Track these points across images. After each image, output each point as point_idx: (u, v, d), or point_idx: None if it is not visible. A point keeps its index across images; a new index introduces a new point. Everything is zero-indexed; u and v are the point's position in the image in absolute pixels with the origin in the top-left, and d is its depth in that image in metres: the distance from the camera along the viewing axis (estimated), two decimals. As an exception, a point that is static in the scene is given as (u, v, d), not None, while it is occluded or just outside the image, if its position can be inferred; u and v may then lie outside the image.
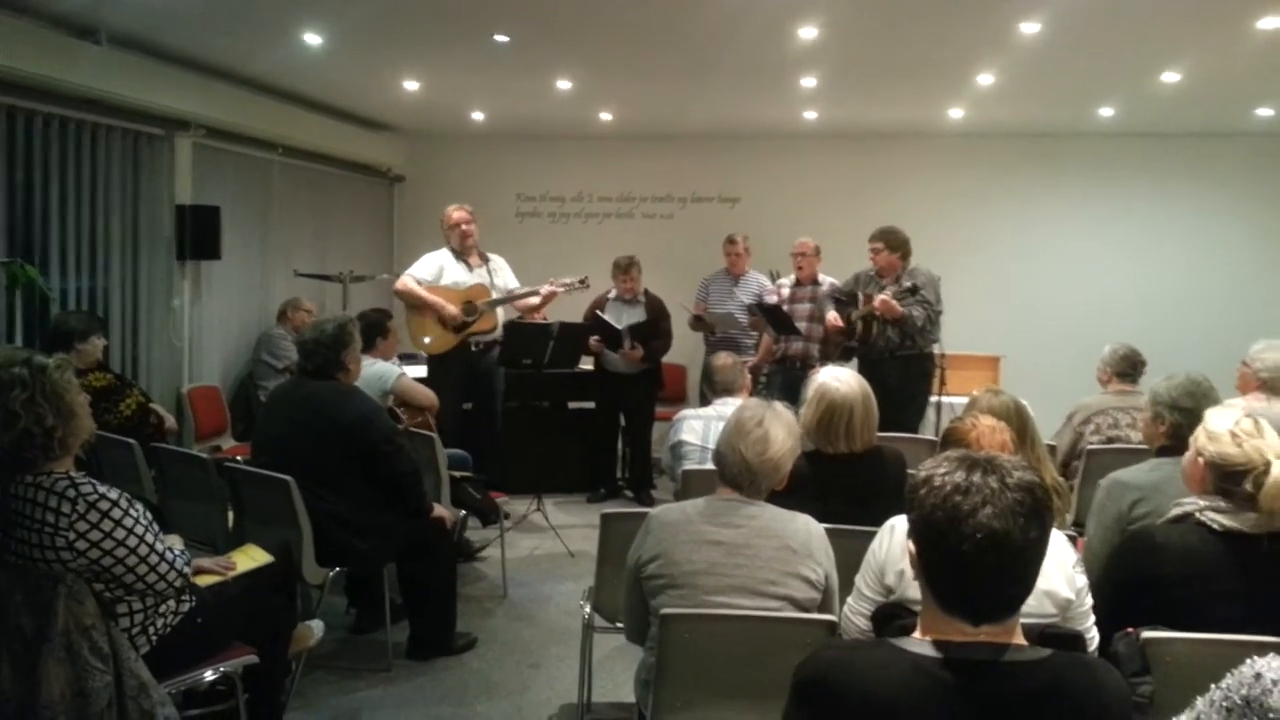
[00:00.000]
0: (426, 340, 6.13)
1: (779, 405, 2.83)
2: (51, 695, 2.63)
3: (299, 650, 3.65)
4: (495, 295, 6.18)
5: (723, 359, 4.78)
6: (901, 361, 6.15)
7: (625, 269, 7.02)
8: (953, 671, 1.54)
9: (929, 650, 1.58)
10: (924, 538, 1.61)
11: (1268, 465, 2.49)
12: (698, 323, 7.27)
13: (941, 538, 1.56)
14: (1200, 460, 2.64)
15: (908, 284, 6.13)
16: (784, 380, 6.76)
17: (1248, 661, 1.41)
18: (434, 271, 6.15)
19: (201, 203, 6.48)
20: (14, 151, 5.23)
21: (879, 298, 6.10)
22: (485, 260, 6.28)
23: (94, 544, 2.72)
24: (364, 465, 4.08)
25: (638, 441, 7.24)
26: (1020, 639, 1.60)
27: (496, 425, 6.31)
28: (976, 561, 1.53)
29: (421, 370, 6.27)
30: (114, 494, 2.80)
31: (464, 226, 6.20)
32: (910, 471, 1.68)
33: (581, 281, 6.42)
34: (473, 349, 6.10)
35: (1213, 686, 1.44)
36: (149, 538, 2.83)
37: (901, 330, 6.12)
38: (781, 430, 2.73)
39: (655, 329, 6.94)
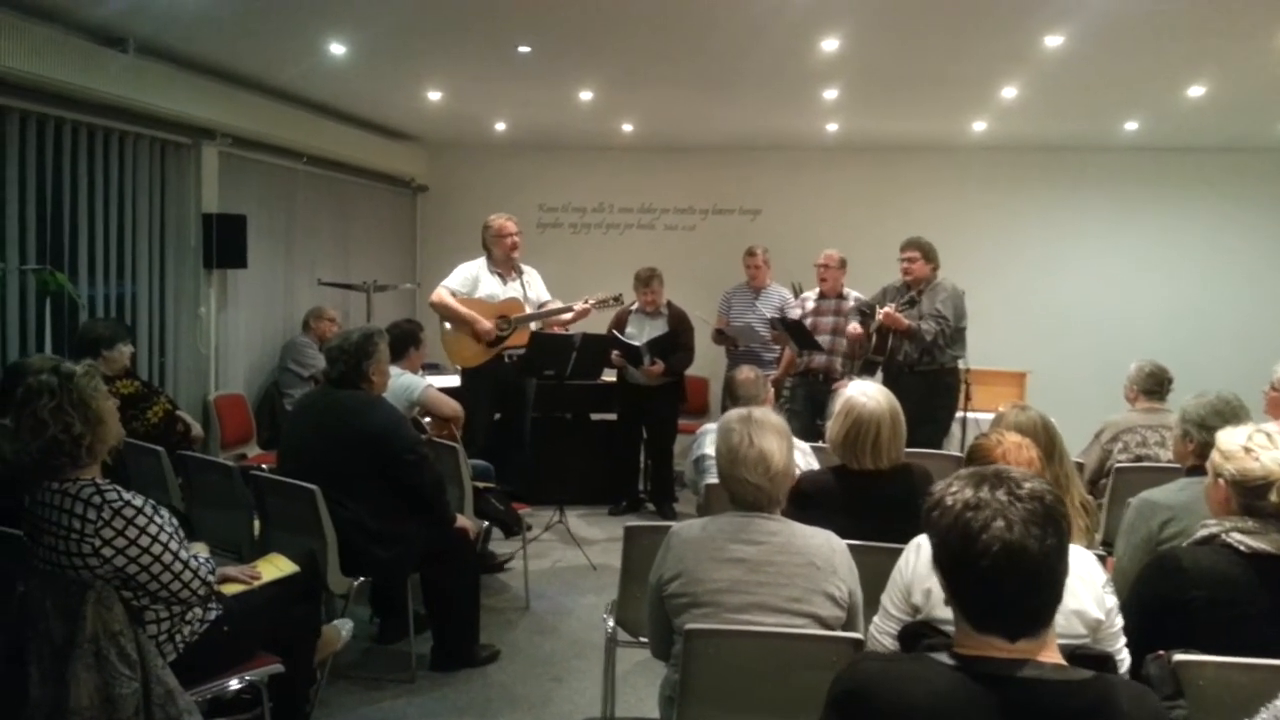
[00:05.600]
0: (461, 353, 6.11)
1: (756, 411, 2.74)
2: (80, 701, 2.65)
3: (328, 652, 3.67)
4: (529, 309, 6.16)
5: (745, 373, 4.77)
6: (921, 376, 6.11)
7: (646, 281, 7.01)
8: (992, 687, 1.53)
9: (972, 666, 1.57)
10: (943, 559, 1.62)
11: None
12: (720, 337, 7.26)
13: (959, 557, 1.57)
14: (1221, 482, 2.60)
15: (907, 296, 6.14)
16: (806, 393, 6.76)
17: None
18: (469, 284, 6.12)
19: (227, 211, 6.53)
20: (43, 159, 5.28)
21: (882, 310, 6.10)
22: (520, 273, 6.26)
23: (119, 551, 2.74)
24: (387, 475, 4.09)
25: (660, 454, 7.22)
26: (1058, 656, 1.59)
27: (525, 437, 6.30)
28: (997, 576, 1.53)
29: (448, 380, 6.29)
30: (139, 501, 2.81)
31: (514, 238, 6.14)
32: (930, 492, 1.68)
33: (616, 299, 6.41)
34: (506, 361, 6.10)
35: None
36: (173, 545, 2.84)
37: (918, 345, 6.10)
38: (773, 439, 2.65)
39: (675, 342, 6.92)
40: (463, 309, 6.03)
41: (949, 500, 1.60)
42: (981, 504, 1.56)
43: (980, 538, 1.54)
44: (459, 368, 6.25)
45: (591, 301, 6.31)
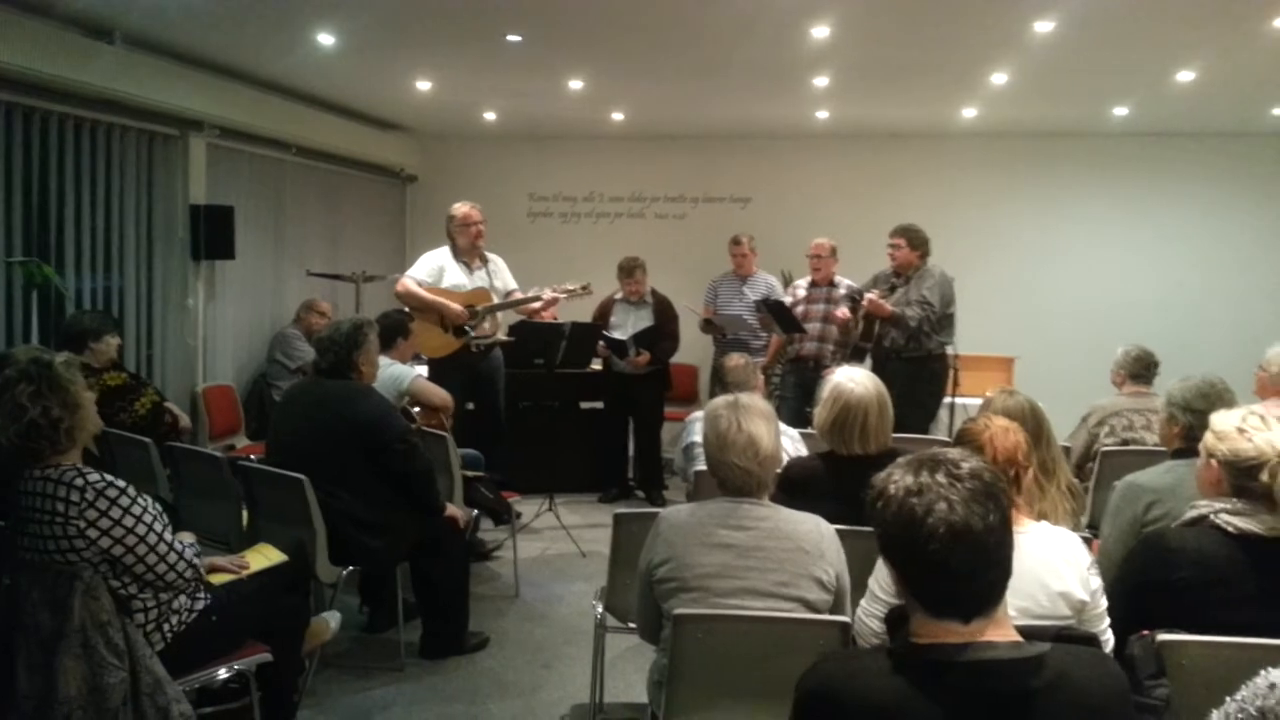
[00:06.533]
0: (427, 344, 6.06)
1: (742, 397, 2.77)
2: (68, 691, 2.66)
3: (315, 644, 3.68)
4: (496, 298, 6.11)
5: (735, 360, 4.78)
6: (908, 362, 6.12)
7: (629, 271, 7.00)
8: (953, 674, 1.54)
9: (927, 655, 1.57)
10: (891, 549, 1.63)
11: None
12: (708, 326, 7.26)
13: (907, 545, 1.57)
14: (1213, 462, 2.62)
15: (887, 284, 6.14)
16: (797, 380, 6.76)
17: (1262, 673, 1.40)
18: (434, 273, 6.05)
19: (215, 203, 6.50)
20: (29, 151, 5.26)
21: (867, 296, 6.11)
22: (485, 261, 6.20)
23: (104, 531, 2.76)
24: (376, 464, 4.09)
25: (647, 441, 7.23)
26: (1013, 633, 1.60)
27: (501, 425, 6.27)
28: (946, 558, 1.54)
29: (424, 371, 6.27)
30: (121, 483, 2.85)
31: (478, 227, 6.08)
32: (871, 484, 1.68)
33: (584, 288, 6.33)
34: (473, 350, 6.06)
35: (1227, 699, 1.43)
36: (158, 527, 2.87)
37: (903, 331, 6.10)
38: (760, 423, 2.67)
39: (661, 332, 6.92)
40: (430, 296, 5.96)
41: (891, 489, 1.61)
42: (923, 489, 1.57)
43: (926, 522, 1.54)
44: (426, 358, 6.20)
45: (560, 291, 6.24)
